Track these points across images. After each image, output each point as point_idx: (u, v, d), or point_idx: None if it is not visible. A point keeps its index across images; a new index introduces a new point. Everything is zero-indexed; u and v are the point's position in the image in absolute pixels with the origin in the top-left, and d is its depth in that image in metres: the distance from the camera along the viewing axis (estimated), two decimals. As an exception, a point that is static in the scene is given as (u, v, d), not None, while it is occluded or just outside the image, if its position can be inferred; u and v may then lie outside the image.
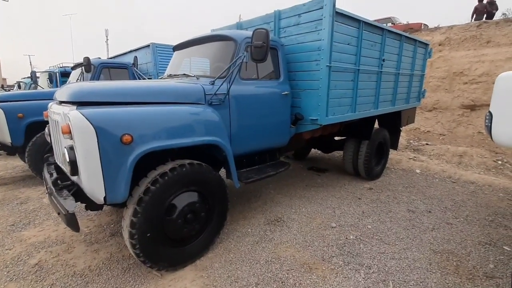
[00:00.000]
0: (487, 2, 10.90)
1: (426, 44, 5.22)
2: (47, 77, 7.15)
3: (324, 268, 2.39)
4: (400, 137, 5.59)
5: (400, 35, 4.30)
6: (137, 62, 5.70)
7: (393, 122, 5.01)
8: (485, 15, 10.77)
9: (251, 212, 3.45)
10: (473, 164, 5.94)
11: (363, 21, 3.46)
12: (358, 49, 3.53)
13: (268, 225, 3.14)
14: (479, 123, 7.84)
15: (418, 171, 5.19)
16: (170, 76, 3.32)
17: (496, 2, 10.94)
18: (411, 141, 7.92)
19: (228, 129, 2.72)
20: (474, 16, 11.07)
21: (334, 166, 5.49)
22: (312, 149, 5.83)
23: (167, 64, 3.79)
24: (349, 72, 3.50)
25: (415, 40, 4.76)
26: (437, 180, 4.74)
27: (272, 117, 3.16)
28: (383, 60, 4.02)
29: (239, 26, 3.89)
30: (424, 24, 12.72)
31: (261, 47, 2.43)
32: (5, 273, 2.35)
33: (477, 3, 11.04)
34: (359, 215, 3.38)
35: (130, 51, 6.35)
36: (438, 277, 2.30)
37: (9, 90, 12.72)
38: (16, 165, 5.69)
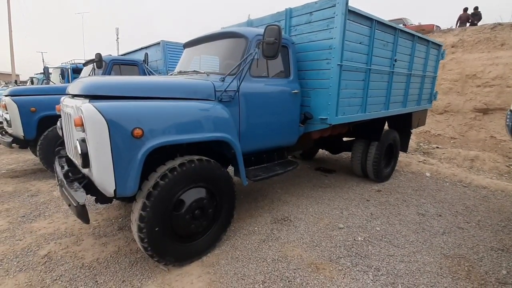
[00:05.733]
0: (471, 13, 11.65)
1: (439, 45, 5.12)
2: (59, 73, 7.28)
3: (331, 269, 2.36)
4: (410, 140, 5.50)
5: (413, 35, 4.22)
6: (147, 59, 5.75)
7: (403, 124, 4.93)
8: (468, 24, 11.36)
9: (258, 211, 3.44)
10: (485, 168, 5.81)
11: (376, 20, 3.41)
12: (370, 48, 3.48)
13: (275, 224, 3.12)
14: (492, 127, 7.67)
15: (428, 174, 5.09)
16: (180, 72, 3.33)
17: (480, 13, 11.50)
18: (421, 144, 7.79)
19: (237, 126, 2.71)
20: (458, 23, 11.67)
21: (342, 167, 5.44)
22: (320, 150, 5.78)
23: (177, 62, 3.80)
24: (360, 72, 3.46)
25: (428, 41, 4.67)
26: (447, 184, 4.65)
27: (281, 115, 3.14)
28: (395, 60, 3.95)
29: (250, 24, 3.88)
30: (437, 26, 12.54)
31: (273, 43, 2.41)
32: (15, 263, 2.39)
33: (461, 12, 11.86)
34: (368, 217, 3.33)
35: (141, 49, 6.40)
36: (449, 281, 2.24)
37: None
38: (27, 158, 5.80)
